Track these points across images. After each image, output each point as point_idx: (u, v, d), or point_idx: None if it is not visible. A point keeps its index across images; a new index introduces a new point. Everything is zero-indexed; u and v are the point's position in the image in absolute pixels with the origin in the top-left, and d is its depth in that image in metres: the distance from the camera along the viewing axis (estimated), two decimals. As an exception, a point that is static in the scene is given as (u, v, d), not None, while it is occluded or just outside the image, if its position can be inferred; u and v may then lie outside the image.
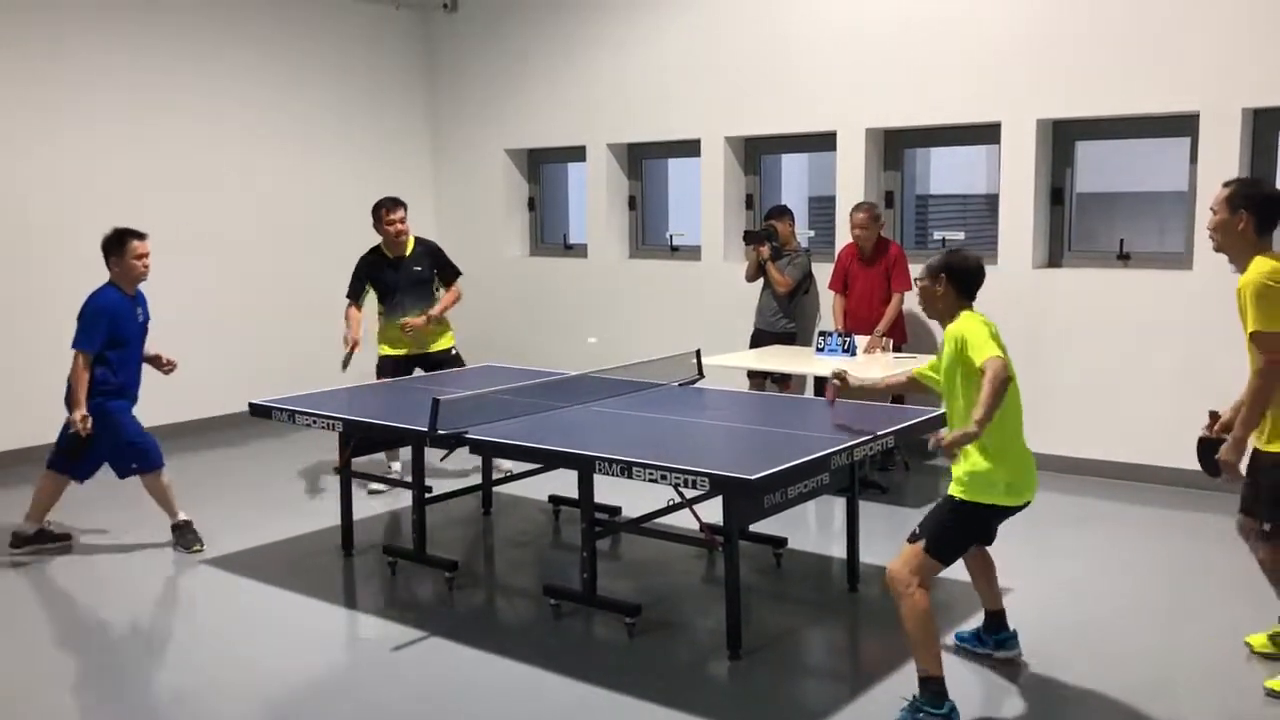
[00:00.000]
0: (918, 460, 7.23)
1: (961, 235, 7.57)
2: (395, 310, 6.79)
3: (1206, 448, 4.02)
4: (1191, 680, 4.09)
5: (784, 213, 7.50)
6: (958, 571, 4.11)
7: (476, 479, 6.33)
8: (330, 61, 9.19)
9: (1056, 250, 7.15)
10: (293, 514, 6.29)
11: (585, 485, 4.55)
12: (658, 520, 4.94)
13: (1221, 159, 6.28)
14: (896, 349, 6.94)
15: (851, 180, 7.58)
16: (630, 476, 4.12)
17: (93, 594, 5.27)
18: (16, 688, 4.18)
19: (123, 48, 7.95)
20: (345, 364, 6.61)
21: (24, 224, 7.53)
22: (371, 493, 6.58)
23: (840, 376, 4.52)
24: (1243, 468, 3.94)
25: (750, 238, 7.45)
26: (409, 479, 5.44)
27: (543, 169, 9.71)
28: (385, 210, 6.75)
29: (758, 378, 7.16)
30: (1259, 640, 4.18)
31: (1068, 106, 6.81)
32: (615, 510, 5.72)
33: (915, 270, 7.04)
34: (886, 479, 6.77)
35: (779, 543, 5.37)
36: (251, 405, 5.56)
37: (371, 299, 6.89)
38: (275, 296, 8.87)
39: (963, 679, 3.94)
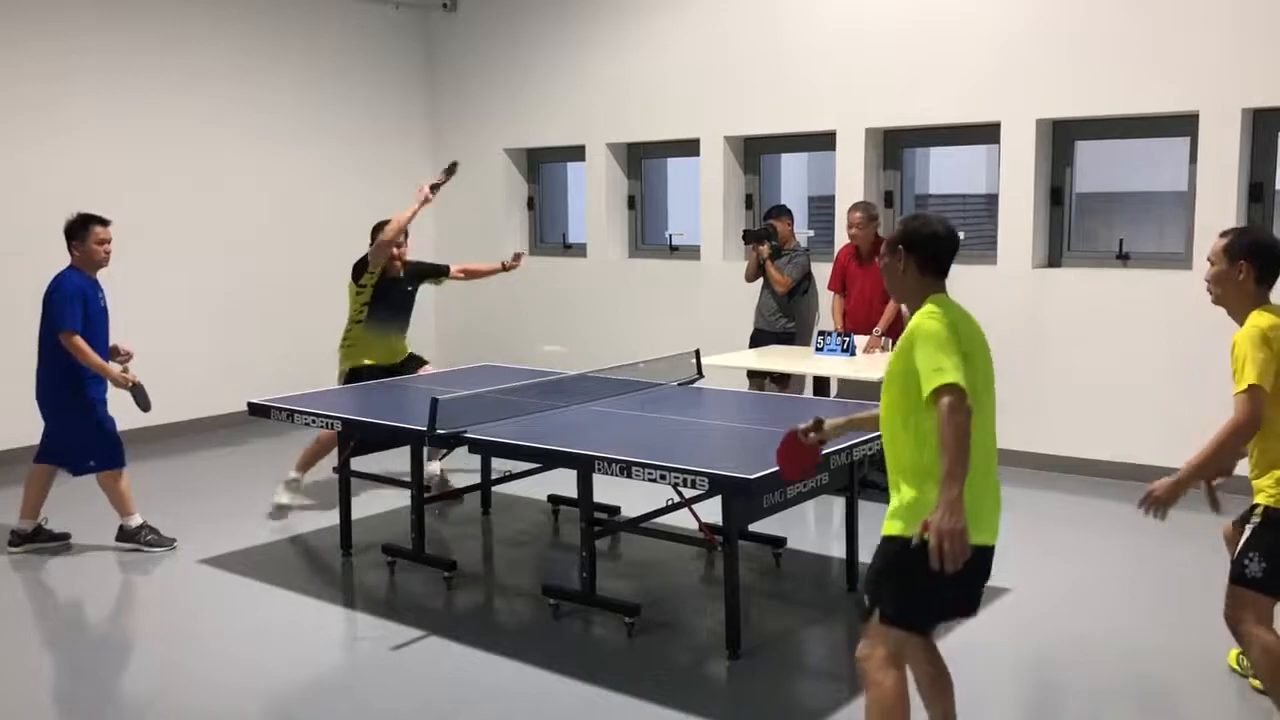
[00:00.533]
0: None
1: (961, 235, 7.55)
2: (383, 327, 6.46)
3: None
4: (1193, 681, 4.09)
5: (783, 212, 7.51)
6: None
7: (475, 479, 6.32)
8: (329, 61, 9.18)
9: (1056, 250, 7.14)
10: (291, 514, 6.28)
11: (584, 485, 4.54)
12: (657, 520, 4.93)
13: (1221, 159, 6.29)
14: (896, 349, 6.93)
15: (851, 180, 7.58)
16: (629, 476, 4.12)
17: (89, 593, 5.26)
18: (12, 688, 4.17)
19: (120, 48, 7.93)
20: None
21: (25, 225, 7.52)
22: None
23: (816, 429, 3.51)
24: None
25: (750, 237, 7.45)
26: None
27: (542, 168, 9.71)
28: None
29: (757, 377, 7.15)
30: (1231, 658, 4.10)
31: (1067, 106, 6.81)
32: (614, 510, 5.72)
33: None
34: (885, 479, 6.74)
35: (778, 542, 5.37)
36: (250, 404, 5.55)
37: (342, 308, 6.59)
38: (274, 296, 8.86)
39: (964, 681, 3.93)
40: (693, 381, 5.92)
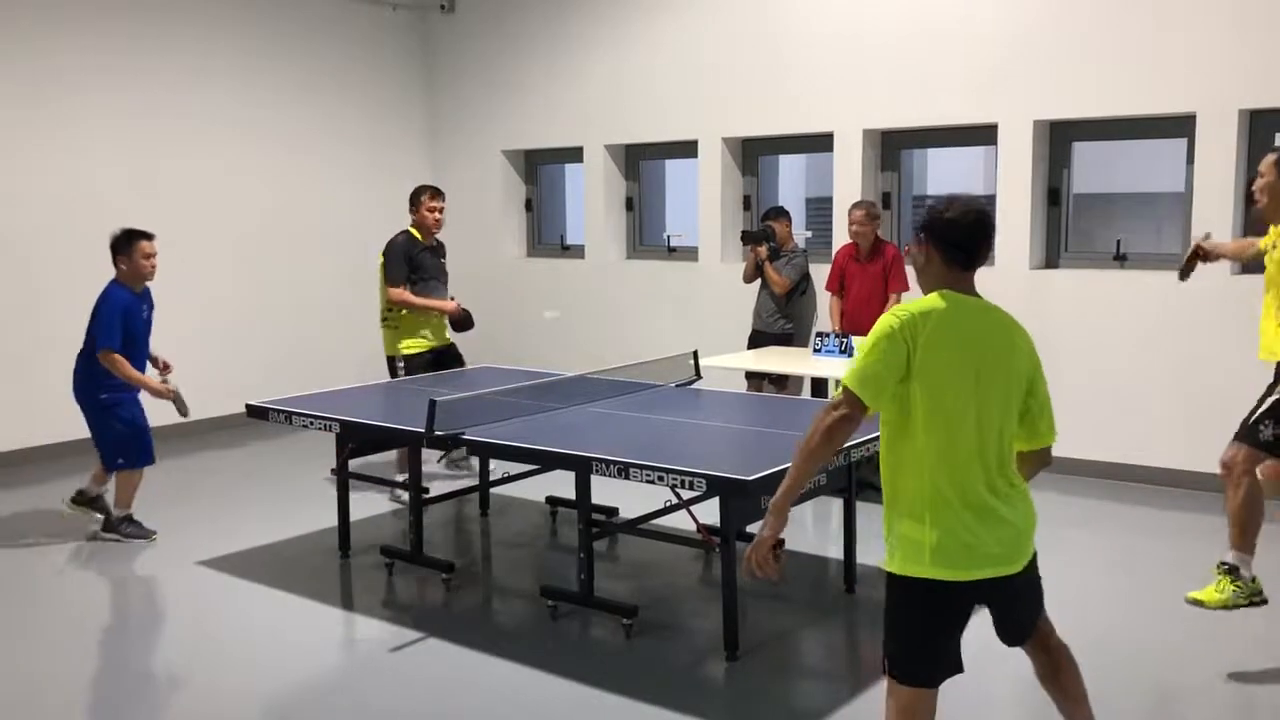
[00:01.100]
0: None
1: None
2: (428, 292, 6.71)
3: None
4: (1193, 681, 4.09)
5: (781, 213, 7.51)
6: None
7: (473, 480, 6.33)
8: (327, 63, 9.18)
9: (1053, 251, 7.15)
10: (290, 516, 6.28)
11: (582, 486, 4.54)
12: (655, 521, 4.93)
13: (1218, 160, 6.30)
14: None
15: (849, 181, 7.58)
16: (627, 478, 4.12)
17: (89, 594, 5.27)
18: (10, 689, 4.17)
19: (116, 50, 7.93)
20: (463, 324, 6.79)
21: (26, 226, 7.52)
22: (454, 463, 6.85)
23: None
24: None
25: (748, 238, 7.45)
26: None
27: (540, 170, 9.71)
28: (429, 196, 6.76)
29: (755, 379, 7.16)
30: (1208, 595, 4.32)
31: (1064, 107, 6.82)
32: (612, 511, 5.72)
33: (910, 271, 7.12)
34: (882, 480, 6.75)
35: (776, 544, 5.35)
36: (248, 406, 5.55)
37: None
38: (271, 298, 8.86)
39: (963, 682, 3.93)
40: (691, 383, 5.93)
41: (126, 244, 5.69)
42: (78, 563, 5.61)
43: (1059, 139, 7.05)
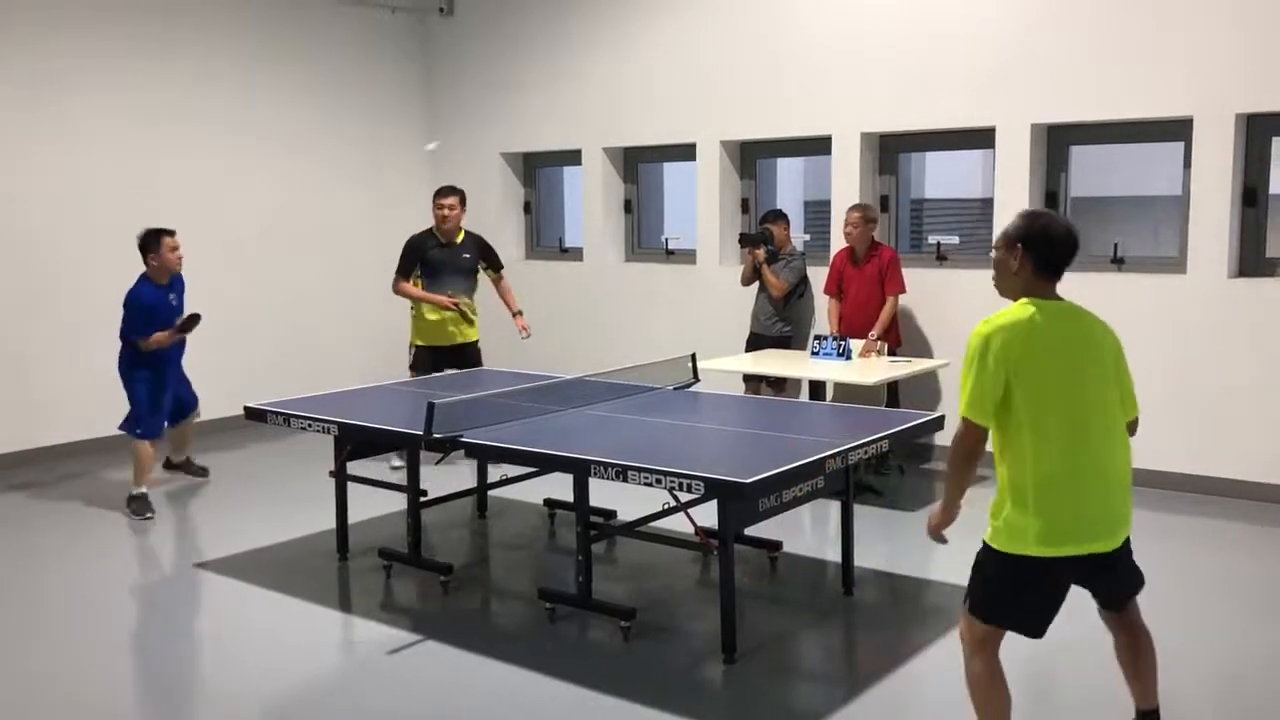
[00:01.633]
0: (912, 464, 7.24)
1: (956, 239, 7.59)
2: (438, 288, 7.09)
3: None
4: (1193, 681, 4.09)
5: (779, 216, 7.52)
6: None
7: (472, 482, 6.33)
8: (327, 65, 9.18)
9: (1051, 254, 7.15)
10: (288, 518, 6.28)
11: (581, 489, 4.55)
12: (653, 524, 4.94)
13: (1214, 164, 6.31)
14: (891, 352, 6.96)
15: (847, 184, 7.59)
16: (625, 480, 4.13)
17: (88, 595, 5.26)
18: (10, 689, 4.18)
19: (117, 52, 7.93)
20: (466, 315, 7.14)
21: (26, 226, 7.52)
22: (394, 468, 6.77)
23: None
24: None
25: (746, 241, 7.47)
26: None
27: (539, 173, 9.72)
28: (437, 195, 7.20)
29: (753, 381, 7.17)
30: None
31: (1062, 111, 6.83)
32: (610, 514, 5.73)
33: (908, 273, 7.14)
34: (881, 483, 6.78)
35: (774, 546, 5.37)
36: (247, 408, 5.55)
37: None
38: (271, 299, 8.87)
39: (961, 682, 3.94)
40: (689, 385, 5.94)
41: (155, 242, 6.33)
42: (77, 564, 5.61)
43: (1056, 142, 7.06)
